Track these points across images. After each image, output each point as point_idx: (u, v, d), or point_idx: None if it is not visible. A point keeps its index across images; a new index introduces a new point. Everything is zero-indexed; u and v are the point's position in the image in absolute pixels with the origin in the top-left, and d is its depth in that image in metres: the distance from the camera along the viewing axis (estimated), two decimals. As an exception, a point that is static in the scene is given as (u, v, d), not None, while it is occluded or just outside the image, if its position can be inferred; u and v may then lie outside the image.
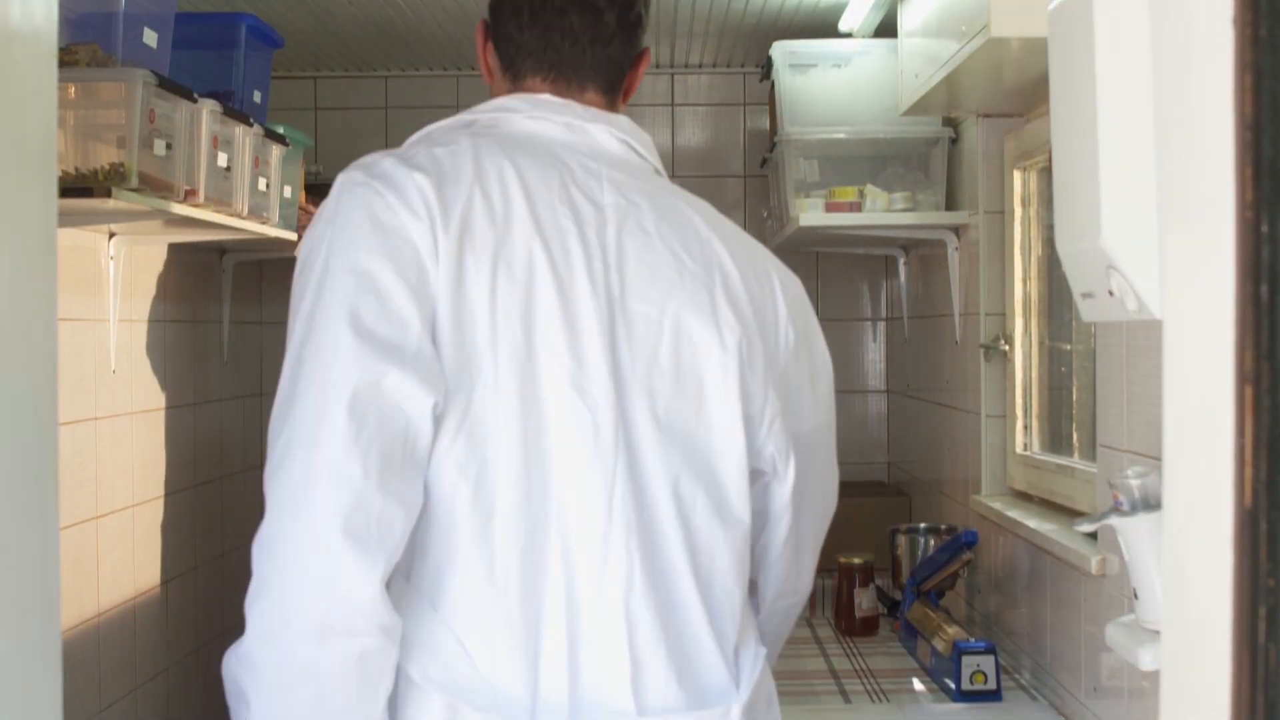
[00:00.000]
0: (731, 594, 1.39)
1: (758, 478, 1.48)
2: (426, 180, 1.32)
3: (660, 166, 1.51)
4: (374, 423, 1.21)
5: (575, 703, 1.28)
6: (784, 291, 1.48)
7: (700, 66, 4.14)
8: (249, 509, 3.76)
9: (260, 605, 1.22)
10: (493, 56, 1.52)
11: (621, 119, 1.48)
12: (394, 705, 1.27)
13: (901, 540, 2.99)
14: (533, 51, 1.48)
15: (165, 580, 3.10)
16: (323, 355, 1.23)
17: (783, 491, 1.49)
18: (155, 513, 3.05)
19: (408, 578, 1.30)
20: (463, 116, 1.46)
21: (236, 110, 2.61)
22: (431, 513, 1.28)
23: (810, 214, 3.10)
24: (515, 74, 1.49)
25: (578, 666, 1.29)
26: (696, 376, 1.37)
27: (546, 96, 1.46)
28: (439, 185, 1.31)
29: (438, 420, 1.26)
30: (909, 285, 3.74)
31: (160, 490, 3.08)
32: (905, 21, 2.80)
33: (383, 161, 1.35)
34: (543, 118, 1.43)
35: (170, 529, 3.14)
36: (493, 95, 1.51)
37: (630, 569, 1.31)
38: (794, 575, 1.59)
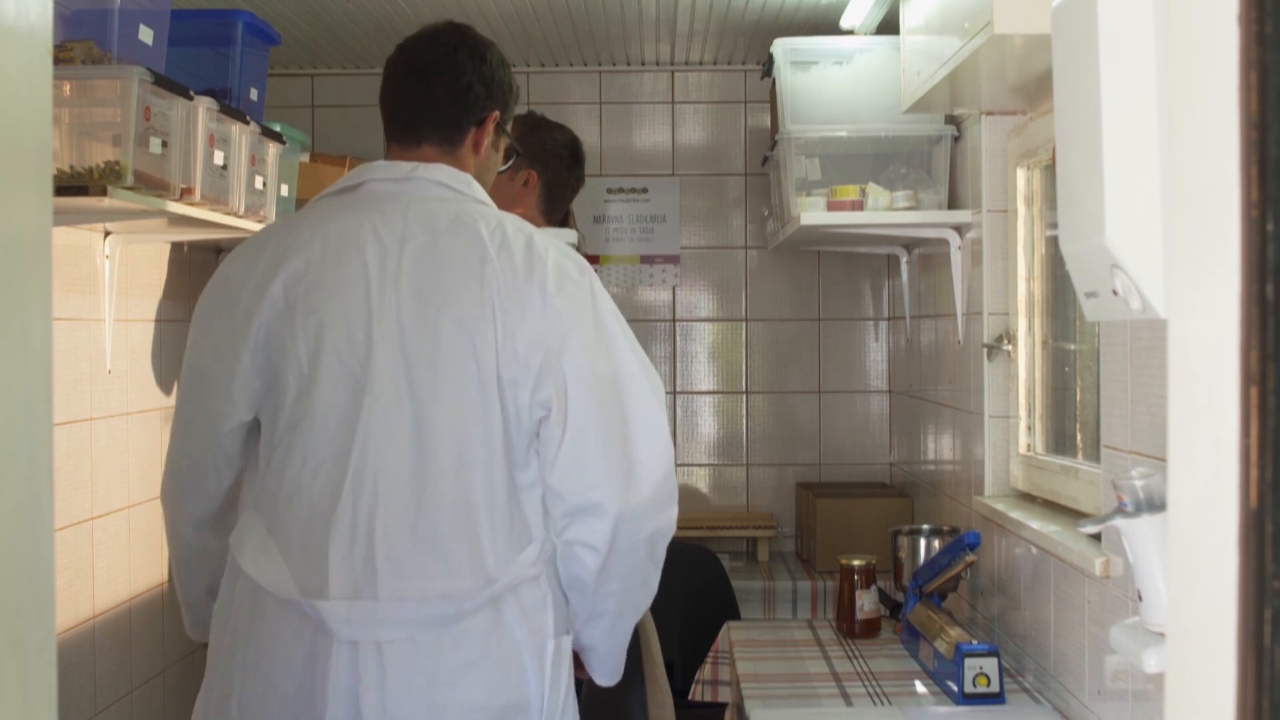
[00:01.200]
0: (488, 519, 1.82)
1: (540, 422, 1.87)
2: (264, 244, 1.90)
3: (482, 196, 1.96)
4: (195, 433, 1.92)
5: (362, 587, 1.79)
6: (555, 274, 1.85)
7: (701, 64, 4.14)
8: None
9: None
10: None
11: (439, 168, 1.94)
12: (233, 592, 1.87)
13: (904, 542, 2.98)
14: (389, 117, 2.02)
15: (161, 582, 3.09)
16: (181, 386, 1.97)
17: (553, 424, 1.84)
18: (151, 514, 3.04)
19: (257, 511, 1.88)
20: (337, 183, 1.98)
21: (233, 108, 2.60)
22: (263, 473, 1.88)
23: (812, 213, 3.09)
24: (387, 134, 2.03)
25: (365, 565, 1.79)
26: (465, 355, 1.81)
27: (380, 162, 1.97)
28: (275, 247, 1.88)
29: (271, 415, 1.87)
30: (911, 284, 3.74)
31: (156, 491, 3.07)
32: (907, 19, 2.79)
33: (258, 231, 2.02)
34: (379, 179, 1.94)
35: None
36: None
37: (400, 505, 1.80)
38: (581, 523, 1.88)
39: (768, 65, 3.41)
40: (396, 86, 2.00)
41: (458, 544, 1.81)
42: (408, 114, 1.99)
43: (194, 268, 3.29)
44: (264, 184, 2.78)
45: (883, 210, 3.08)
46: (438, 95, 1.97)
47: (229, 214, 2.61)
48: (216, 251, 3.42)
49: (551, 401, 1.83)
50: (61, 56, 2.12)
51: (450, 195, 1.93)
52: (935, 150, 3.16)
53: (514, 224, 1.90)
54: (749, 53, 3.96)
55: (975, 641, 2.44)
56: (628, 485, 1.85)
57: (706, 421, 4.22)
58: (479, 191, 1.96)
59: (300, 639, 1.81)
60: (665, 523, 1.91)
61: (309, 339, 1.82)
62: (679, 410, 4.20)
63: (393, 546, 1.80)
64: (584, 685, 2.29)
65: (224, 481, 1.95)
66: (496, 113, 2.03)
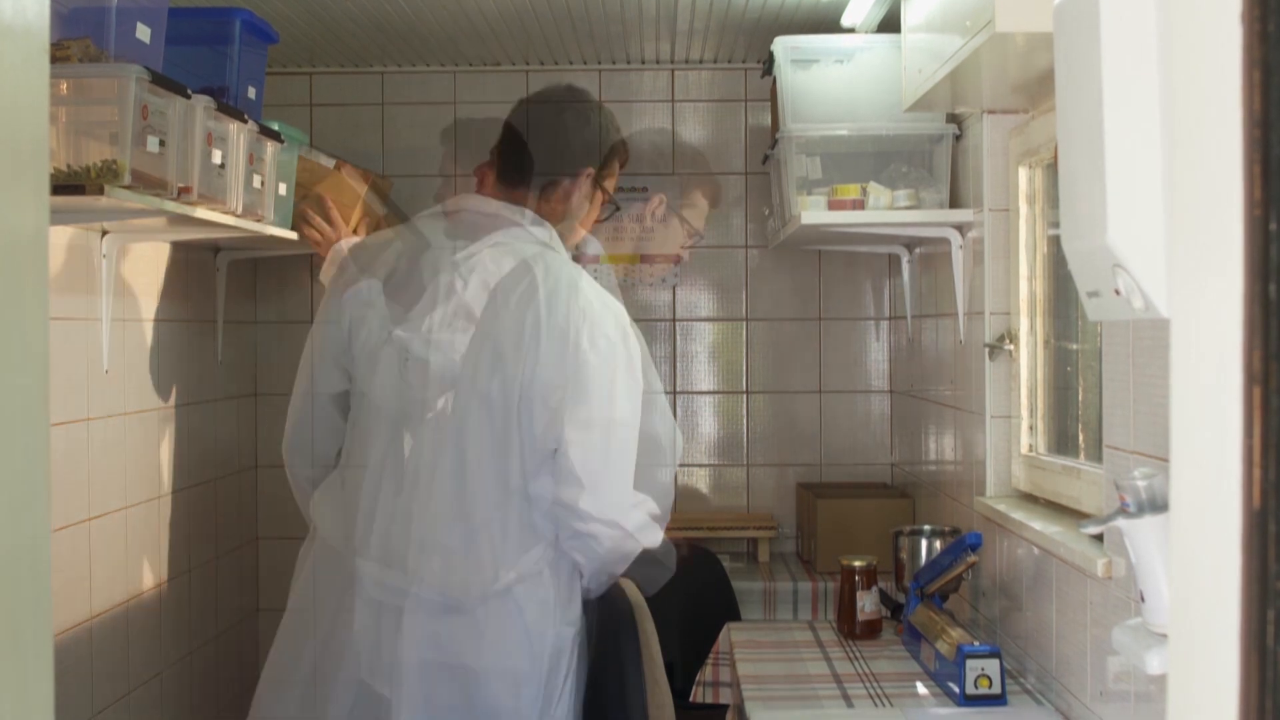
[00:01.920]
0: (500, 522, 2.15)
1: (554, 452, 2.15)
2: (371, 244, 2.36)
3: (555, 244, 2.30)
4: (304, 396, 2.31)
5: (394, 559, 2.14)
6: (591, 328, 2.15)
7: (701, 62, 4.13)
8: (244, 511, 3.75)
9: None
10: None
11: (523, 212, 2.30)
12: (310, 549, 2.28)
13: (905, 542, 2.98)
14: (500, 160, 2.38)
15: (159, 583, 3.08)
16: (299, 369, 2.39)
17: (563, 459, 2.13)
18: (149, 515, 3.04)
19: (339, 470, 2.27)
20: (440, 205, 2.39)
21: (231, 107, 2.60)
22: (346, 451, 2.27)
23: (812, 212, 3.09)
24: (497, 173, 2.36)
25: (400, 540, 2.14)
26: (500, 377, 2.14)
27: (479, 196, 2.34)
28: (376, 250, 2.35)
29: (355, 392, 2.27)
30: (912, 284, 3.73)
31: (154, 492, 3.07)
32: (909, 17, 2.78)
33: (379, 232, 2.59)
34: (472, 210, 2.31)
35: (164, 532, 3.13)
36: None
37: (435, 501, 2.15)
38: (579, 540, 2.19)
39: (768, 64, 3.41)
40: (507, 136, 2.37)
41: (476, 540, 2.13)
42: (511, 162, 2.35)
43: (191, 267, 3.28)
44: (262, 183, 2.77)
45: (884, 209, 3.07)
46: (538, 150, 2.34)
47: (227, 213, 2.60)
48: (214, 251, 3.41)
49: (562, 438, 2.12)
50: (58, 55, 2.11)
51: (527, 238, 2.27)
52: (936, 149, 3.16)
53: (569, 277, 2.20)
54: (749, 51, 3.95)
55: (977, 643, 2.44)
56: (623, 520, 2.18)
57: (707, 421, 4.21)
58: (554, 239, 2.30)
59: (337, 587, 2.17)
60: (649, 544, 2.26)
61: (381, 333, 2.21)
62: (679, 410, 4.20)
63: (423, 531, 2.13)
64: (585, 687, 2.29)
65: (329, 449, 2.31)
66: (591, 170, 2.36)
